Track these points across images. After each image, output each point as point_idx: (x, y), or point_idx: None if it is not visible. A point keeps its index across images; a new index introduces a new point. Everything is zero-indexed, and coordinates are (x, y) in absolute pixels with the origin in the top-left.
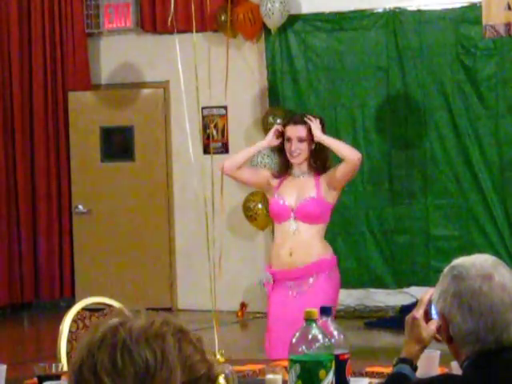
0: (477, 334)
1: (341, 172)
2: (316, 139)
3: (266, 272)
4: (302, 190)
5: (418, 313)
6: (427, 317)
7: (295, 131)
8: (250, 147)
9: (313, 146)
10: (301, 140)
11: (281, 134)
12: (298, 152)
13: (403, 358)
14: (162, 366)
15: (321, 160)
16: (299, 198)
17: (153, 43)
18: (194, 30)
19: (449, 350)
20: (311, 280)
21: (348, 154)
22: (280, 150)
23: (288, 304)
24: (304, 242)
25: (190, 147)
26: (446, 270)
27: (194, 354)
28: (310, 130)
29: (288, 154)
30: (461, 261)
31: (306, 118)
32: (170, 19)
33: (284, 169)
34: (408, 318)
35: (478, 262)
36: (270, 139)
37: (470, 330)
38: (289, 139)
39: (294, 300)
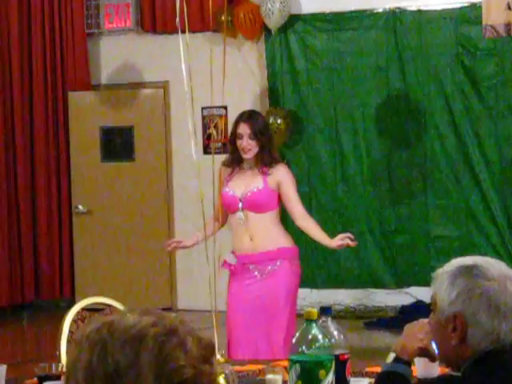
0: (497, 335)
1: (283, 196)
2: None
3: (230, 253)
4: (249, 181)
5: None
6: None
7: (246, 128)
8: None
9: (261, 142)
10: (251, 137)
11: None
12: (249, 148)
13: (397, 357)
14: (131, 369)
15: (267, 154)
16: (246, 189)
17: (153, 43)
18: (187, 30)
19: (445, 353)
20: (274, 265)
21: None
22: (233, 144)
23: (250, 286)
24: (260, 230)
25: (192, 147)
26: (456, 270)
27: (180, 357)
28: (259, 127)
29: (240, 150)
30: (474, 261)
31: None
32: (177, 19)
33: (235, 162)
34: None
35: (493, 262)
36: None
37: (491, 330)
38: (240, 136)
39: (257, 282)
